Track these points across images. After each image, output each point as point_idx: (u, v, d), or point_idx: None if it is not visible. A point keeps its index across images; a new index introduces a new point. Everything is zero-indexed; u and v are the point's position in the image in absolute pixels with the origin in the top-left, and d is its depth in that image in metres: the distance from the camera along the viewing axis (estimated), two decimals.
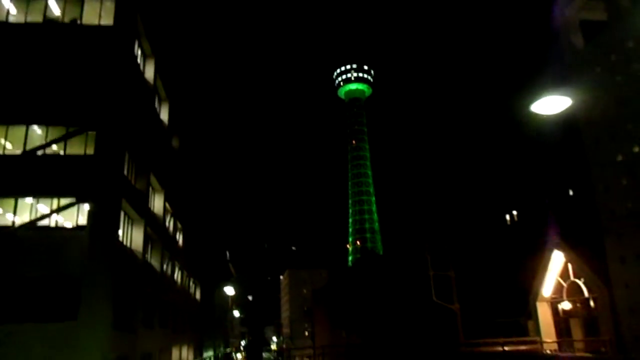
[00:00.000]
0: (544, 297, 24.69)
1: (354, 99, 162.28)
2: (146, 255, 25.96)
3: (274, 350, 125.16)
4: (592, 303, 22.23)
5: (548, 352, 22.68)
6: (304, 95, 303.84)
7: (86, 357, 17.30)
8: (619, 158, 18.42)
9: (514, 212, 51.61)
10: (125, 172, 22.24)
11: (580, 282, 22.37)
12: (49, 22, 21.77)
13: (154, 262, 28.12)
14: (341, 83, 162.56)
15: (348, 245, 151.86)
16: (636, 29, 17.75)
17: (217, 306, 58.34)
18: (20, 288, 17.68)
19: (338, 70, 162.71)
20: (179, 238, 37.59)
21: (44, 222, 19.11)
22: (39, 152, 19.54)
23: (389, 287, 48.99)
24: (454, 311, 27.67)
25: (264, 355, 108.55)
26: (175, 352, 34.05)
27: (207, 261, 54.65)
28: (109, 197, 19.75)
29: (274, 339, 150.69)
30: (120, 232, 21.42)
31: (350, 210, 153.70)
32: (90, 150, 20.19)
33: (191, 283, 44.66)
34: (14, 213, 19.37)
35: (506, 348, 24.22)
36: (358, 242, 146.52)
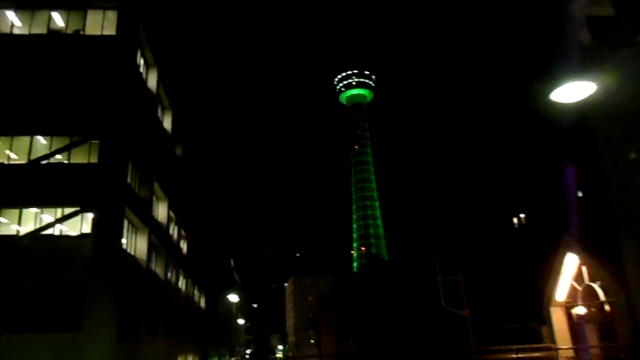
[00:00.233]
0: (557, 302, 24.26)
1: (356, 104, 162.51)
2: (150, 264, 25.92)
3: (280, 359, 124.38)
4: (607, 307, 21.86)
5: (564, 359, 22.33)
6: (306, 102, 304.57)
7: None
8: (633, 155, 18.15)
9: (521, 215, 51.31)
10: (129, 181, 22.27)
11: (596, 286, 21.99)
12: (53, 33, 21.94)
13: (158, 270, 28.06)
14: (342, 89, 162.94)
15: (352, 251, 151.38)
16: None
17: (221, 314, 58.12)
18: (23, 298, 17.64)
19: (339, 76, 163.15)
20: (183, 246, 37.55)
21: (48, 231, 19.12)
22: (43, 162, 19.62)
23: (396, 293, 48.64)
24: (464, 317, 27.37)
25: None
26: None
27: (212, 269, 54.55)
28: (112, 205, 19.76)
29: (280, 347, 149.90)
30: (124, 240, 21.40)
31: (354, 216, 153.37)
32: (94, 159, 20.26)
33: (196, 291, 44.55)
34: (19, 223, 19.41)
35: (520, 355, 23.86)
36: (363, 248, 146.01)
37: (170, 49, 31.60)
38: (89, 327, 17.57)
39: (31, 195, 19.33)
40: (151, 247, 25.72)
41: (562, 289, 23.88)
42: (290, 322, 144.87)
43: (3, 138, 20.14)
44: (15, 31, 21.56)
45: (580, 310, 24.32)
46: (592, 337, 23.83)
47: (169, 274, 30.39)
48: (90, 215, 19.63)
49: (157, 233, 26.87)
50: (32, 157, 19.70)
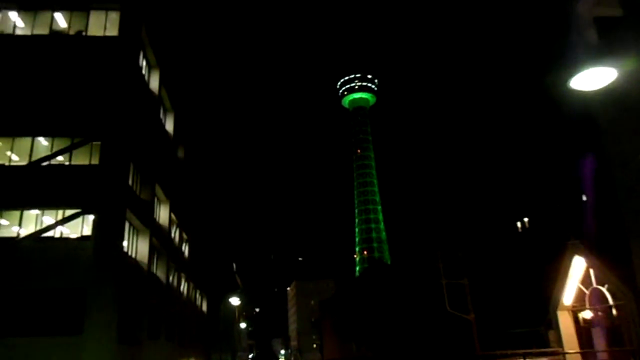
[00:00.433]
0: (564, 306, 23.83)
1: (358, 107, 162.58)
2: (152, 267, 25.70)
3: None
4: (614, 311, 21.46)
5: None
6: (309, 105, 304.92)
7: None
8: None
9: (525, 219, 51.02)
10: (130, 183, 22.08)
11: (604, 289, 21.58)
12: (55, 34, 21.84)
13: (160, 273, 27.83)
14: (345, 92, 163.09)
15: (355, 256, 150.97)
16: None
17: (223, 318, 57.82)
18: (24, 301, 17.45)
19: (342, 80, 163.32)
20: (185, 249, 37.33)
21: (49, 234, 18.95)
22: (44, 164, 19.47)
23: (399, 297, 48.27)
24: (469, 321, 27.00)
25: None
26: None
27: (214, 273, 54.32)
28: (113, 207, 19.57)
29: (282, 352, 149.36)
30: (125, 243, 21.19)
31: (357, 220, 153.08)
32: (95, 161, 20.11)
33: (198, 295, 44.29)
34: (19, 225, 19.24)
35: None
36: (365, 252, 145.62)
37: (173, 51, 31.51)
38: (90, 330, 17.36)
39: (32, 197, 19.17)
40: (152, 249, 25.50)
41: (569, 293, 23.48)
42: (292, 326, 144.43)
43: (4, 139, 20.01)
44: (18, 32, 21.47)
45: (587, 314, 23.94)
46: (599, 342, 23.43)
47: (170, 277, 30.16)
48: (91, 218, 19.45)
49: (158, 236, 26.66)
50: (34, 158, 19.56)
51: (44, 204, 19.39)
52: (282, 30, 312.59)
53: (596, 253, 21.30)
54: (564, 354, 22.97)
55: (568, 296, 23.55)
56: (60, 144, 20.02)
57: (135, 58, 22.78)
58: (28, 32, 21.47)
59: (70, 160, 20.21)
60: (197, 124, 42.50)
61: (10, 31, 21.35)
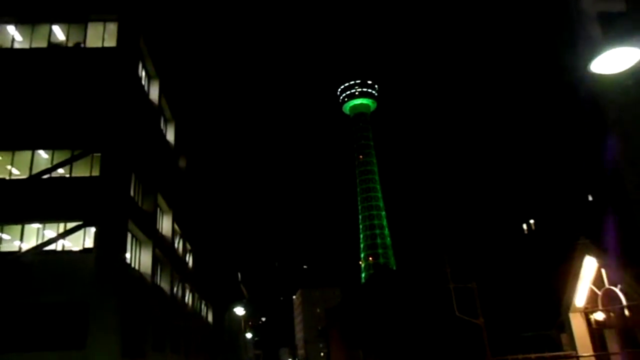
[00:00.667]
0: (577, 308, 23.28)
1: (359, 113, 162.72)
2: (155, 278, 25.43)
3: None
4: (627, 312, 20.96)
5: None
6: (310, 113, 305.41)
7: None
8: None
9: (531, 221, 50.59)
10: (132, 193, 21.89)
11: (617, 289, 21.10)
12: (54, 46, 21.78)
13: (164, 284, 27.56)
14: (346, 99, 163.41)
15: (360, 262, 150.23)
16: None
17: (229, 328, 57.36)
18: (25, 315, 17.21)
19: (342, 86, 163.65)
20: (189, 260, 37.06)
21: (51, 247, 18.73)
22: (45, 177, 19.30)
23: (406, 303, 47.76)
24: (479, 326, 26.52)
25: None
26: None
27: (219, 283, 53.96)
28: (115, 218, 19.36)
29: None
30: (127, 254, 20.97)
31: (361, 226, 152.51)
32: (96, 173, 19.94)
33: (203, 305, 43.94)
34: (21, 239, 19.04)
35: None
36: (370, 258, 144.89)
37: (173, 61, 31.47)
38: (93, 344, 17.09)
39: (33, 210, 19.01)
40: (156, 261, 25.25)
41: (581, 294, 22.98)
42: (299, 335, 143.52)
43: (4, 153, 19.88)
44: (16, 45, 21.41)
45: (599, 315, 23.44)
46: (612, 344, 22.92)
47: (174, 289, 29.86)
48: (93, 230, 19.24)
49: (161, 247, 26.42)
50: (34, 171, 19.40)
51: (45, 217, 19.21)
52: (282, 38, 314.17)
53: (608, 252, 20.86)
54: (578, 357, 22.46)
55: (580, 298, 23.06)
56: (61, 156, 19.86)
57: (134, 68, 22.69)
58: (26, 46, 21.41)
59: (70, 172, 20.06)
60: (198, 133, 42.40)
61: (8, 45, 21.29)
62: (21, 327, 17.09)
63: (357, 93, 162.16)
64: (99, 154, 20.11)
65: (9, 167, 19.77)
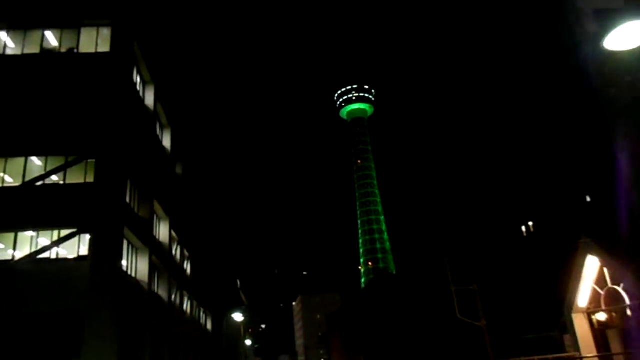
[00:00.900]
0: (579, 308, 22.94)
1: (357, 118, 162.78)
2: (152, 286, 25.08)
3: None
4: (629, 312, 20.67)
5: None
6: (307, 118, 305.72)
7: None
8: None
9: (530, 223, 50.47)
10: (128, 200, 21.62)
11: (619, 289, 20.82)
12: (46, 52, 21.56)
13: (162, 292, 27.19)
14: (343, 104, 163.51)
15: (360, 267, 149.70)
16: None
17: (228, 336, 56.83)
18: (19, 325, 16.83)
19: (339, 92, 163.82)
20: (187, 267, 36.69)
21: (45, 255, 18.40)
22: (38, 184, 19.01)
23: (407, 307, 47.37)
24: (481, 328, 26.20)
25: None
26: None
27: (218, 290, 53.50)
28: (111, 225, 19.07)
29: None
30: (124, 262, 20.64)
31: (360, 231, 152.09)
32: (90, 179, 19.65)
33: (202, 313, 43.49)
34: (14, 247, 18.71)
35: None
36: (370, 263, 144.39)
37: (168, 66, 31.28)
38: (89, 354, 16.72)
39: (26, 218, 18.69)
40: (153, 268, 24.90)
41: (583, 294, 22.67)
42: (299, 341, 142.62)
43: None
44: (8, 52, 21.18)
45: (601, 316, 23.15)
46: (615, 344, 22.62)
47: (172, 296, 29.49)
48: (88, 237, 18.92)
49: (158, 254, 26.08)
50: (27, 178, 19.11)
51: (39, 225, 18.89)
52: (279, 43, 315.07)
53: (610, 251, 20.60)
54: (581, 358, 22.14)
55: (583, 298, 22.75)
56: (54, 163, 19.59)
57: (128, 73, 22.49)
58: (18, 52, 21.18)
59: (64, 179, 19.77)
60: (195, 139, 42.15)
61: (0, 51, 21.04)
62: (15, 337, 16.71)
63: (354, 98, 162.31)
64: (94, 160, 19.84)
65: (1, 174, 19.47)
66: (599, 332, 23.34)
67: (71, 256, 19.18)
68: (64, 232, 18.70)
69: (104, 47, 21.83)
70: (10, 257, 18.61)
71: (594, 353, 22.16)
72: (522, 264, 39.79)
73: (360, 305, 58.13)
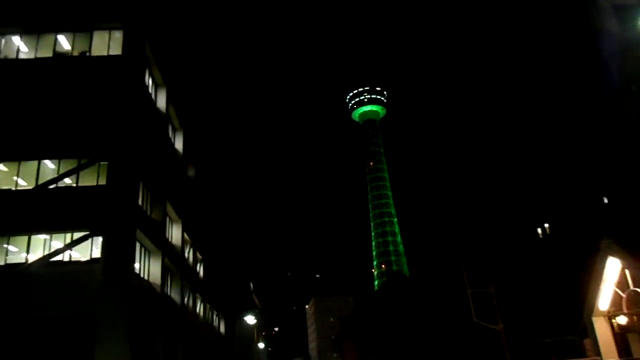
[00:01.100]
0: (600, 311, 22.34)
1: (369, 120, 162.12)
2: (165, 288, 25.02)
3: None
4: None
5: None
6: (320, 120, 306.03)
7: None
8: None
9: (546, 225, 49.60)
10: (140, 202, 21.56)
11: None
12: (59, 55, 21.68)
13: (174, 295, 27.12)
14: (355, 106, 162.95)
15: (373, 270, 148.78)
16: None
17: (241, 338, 56.73)
18: (31, 328, 16.84)
19: (351, 94, 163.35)
20: (200, 269, 36.63)
21: (57, 257, 18.40)
22: (51, 186, 19.08)
23: (422, 310, 46.74)
24: (498, 332, 25.59)
25: None
26: None
27: (230, 293, 53.45)
28: (123, 228, 19.02)
29: None
30: (136, 264, 20.59)
31: (373, 233, 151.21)
32: (102, 182, 19.66)
33: (214, 316, 43.42)
34: (27, 250, 18.77)
35: None
36: (383, 266, 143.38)
37: (180, 68, 31.33)
38: (102, 357, 16.71)
39: (39, 220, 18.75)
40: (165, 270, 24.86)
41: (604, 297, 22.06)
42: (312, 344, 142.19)
43: (10, 164, 19.70)
44: (22, 56, 21.34)
45: (621, 319, 22.48)
46: (636, 349, 21.95)
47: (185, 299, 29.41)
48: (100, 240, 18.90)
49: (171, 256, 26.02)
50: (40, 181, 19.18)
51: (52, 228, 18.93)
52: (291, 45, 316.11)
53: (632, 252, 19.97)
54: None
55: (604, 301, 22.13)
56: (67, 165, 19.63)
57: (140, 76, 22.50)
58: (32, 56, 21.33)
59: (77, 182, 19.81)
60: (207, 142, 42.19)
61: (14, 55, 21.22)
62: (27, 339, 16.73)
63: (366, 100, 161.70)
64: (106, 163, 19.85)
65: (15, 177, 19.58)
66: (620, 336, 22.68)
67: (84, 259, 19.18)
68: (77, 235, 18.70)
69: (116, 50, 21.87)
70: (23, 260, 18.65)
71: (616, 357, 21.54)
72: (540, 266, 39.00)
73: (374, 309, 57.61)
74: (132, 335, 18.31)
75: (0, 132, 19.63)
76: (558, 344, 28.16)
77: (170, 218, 27.67)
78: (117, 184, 19.45)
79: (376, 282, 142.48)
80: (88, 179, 19.77)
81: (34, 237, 18.99)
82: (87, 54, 21.78)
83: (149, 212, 23.12)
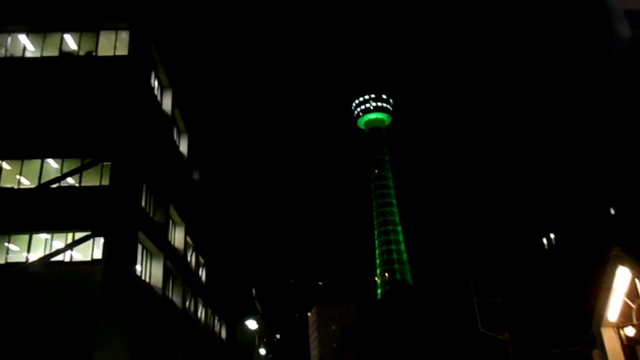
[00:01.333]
0: (609, 322, 21.77)
1: (374, 128, 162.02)
2: (167, 291, 24.76)
3: None
4: None
5: None
6: (325, 127, 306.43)
7: None
8: None
9: (552, 235, 49.13)
10: (143, 204, 21.39)
11: None
12: (65, 55, 21.65)
13: (176, 298, 26.85)
14: (360, 113, 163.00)
15: (376, 278, 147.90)
16: None
17: (243, 345, 56.23)
18: (30, 328, 16.61)
19: (357, 101, 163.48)
20: (202, 273, 36.34)
21: (58, 257, 18.22)
22: (54, 185, 18.94)
23: (426, 319, 46.16)
24: (504, 342, 25.11)
25: None
26: None
27: (232, 298, 53.07)
28: (125, 229, 18.82)
29: None
30: (138, 266, 20.35)
31: (377, 241, 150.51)
32: (106, 182, 19.50)
33: (216, 321, 43.05)
34: (28, 250, 18.59)
35: None
36: (386, 274, 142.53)
37: (186, 71, 31.27)
38: (100, 359, 16.36)
39: (41, 220, 18.61)
40: (167, 273, 24.61)
41: (614, 308, 21.51)
42: (314, 352, 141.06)
43: (13, 162, 19.60)
44: (28, 54, 21.32)
45: (630, 331, 21.94)
46: None
47: (187, 303, 29.12)
48: (102, 240, 18.70)
49: (173, 259, 25.78)
50: (43, 180, 19.05)
51: (53, 227, 18.76)
52: (298, 51, 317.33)
53: None
54: None
55: (613, 311, 21.59)
56: (70, 165, 19.52)
57: (146, 77, 22.42)
58: (38, 55, 21.31)
59: (80, 181, 19.66)
60: (212, 146, 42.09)
61: (20, 54, 21.21)
62: (26, 339, 16.50)
63: (372, 107, 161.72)
64: (109, 163, 19.71)
65: (17, 176, 19.46)
66: (629, 347, 22.13)
67: (85, 260, 18.97)
68: (78, 235, 18.53)
69: (122, 50, 21.84)
70: (24, 260, 18.47)
71: None
72: (547, 275, 38.47)
73: (377, 317, 57.03)
74: (132, 339, 18.04)
75: (5, 130, 19.56)
76: (565, 355, 27.62)
77: (173, 221, 27.47)
78: (120, 184, 19.29)
79: (379, 291, 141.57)
80: (91, 179, 19.63)
81: (35, 237, 18.83)
82: (94, 53, 21.75)
83: (151, 214, 22.94)
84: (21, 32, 21.28)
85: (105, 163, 19.76)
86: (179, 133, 30.72)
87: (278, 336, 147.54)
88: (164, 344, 22.90)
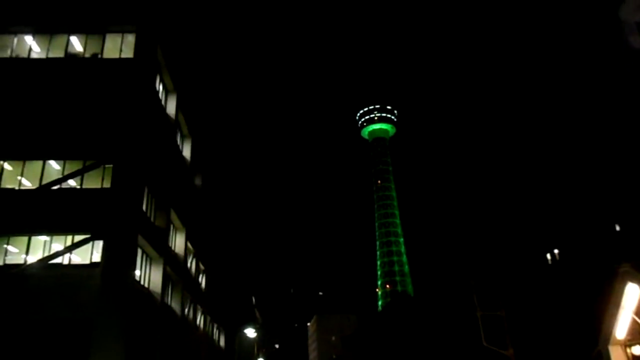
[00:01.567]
0: (617, 340, 21.29)
1: (378, 138, 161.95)
2: (165, 297, 24.40)
3: None
4: None
5: None
6: (328, 137, 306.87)
7: None
8: None
9: (555, 251, 48.64)
10: (144, 208, 21.16)
11: None
12: (70, 57, 21.58)
13: (174, 305, 26.48)
14: (364, 123, 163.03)
15: (377, 289, 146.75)
16: None
17: (241, 354, 55.60)
18: (26, 331, 16.30)
19: (361, 111, 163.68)
20: (202, 280, 35.97)
21: (57, 260, 17.95)
22: (55, 187, 18.74)
23: (428, 332, 45.49)
24: (508, 357, 24.58)
25: None
26: None
27: (232, 306, 52.58)
28: (125, 232, 18.55)
29: None
30: (137, 271, 20.05)
31: (378, 253, 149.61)
32: (107, 184, 19.29)
33: (215, 329, 42.55)
34: (27, 252, 18.33)
35: None
36: (388, 286, 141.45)
37: (191, 75, 31.20)
38: None
39: (41, 221, 18.38)
40: (167, 279, 24.28)
41: (622, 325, 21.02)
42: None
43: (15, 163, 19.43)
44: (33, 55, 21.26)
45: (637, 349, 21.43)
46: None
47: (185, 309, 28.74)
48: (101, 243, 18.43)
49: (173, 265, 25.46)
50: (44, 182, 18.86)
51: (53, 229, 18.53)
52: (303, 63, 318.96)
53: None
54: None
55: (621, 329, 21.09)
56: (72, 167, 19.34)
57: (151, 80, 22.31)
58: (43, 56, 21.24)
59: (81, 183, 19.46)
60: (215, 152, 41.94)
61: (25, 55, 21.15)
62: (20, 342, 16.19)
63: (376, 118, 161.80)
64: (111, 166, 19.52)
65: (18, 177, 19.27)
66: None
67: (84, 263, 18.68)
68: (78, 238, 18.27)
69: (128, 53, 21.77)
70: (22, 261, 18.20)
71: None
72: (552, 291, 37.92)
73: (378, 329, 56.32)
74: (129, 344, 17.69)
75: (7, 131, 19.42)
76: None
77: (174, 226, 27.20)
78: (121, 187, 19.08)
79: (380, 302, 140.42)
80: (92, 182, 19.43)
81: (34, 238, 18.59)
82: (99, 56, 21.66)
83: (152, 219, 22.68)
84: (27, 33, 21.25)
85: (107, 165, 19.58)
86: (183, 137, 30.57)
87: (277, 346, 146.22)
88: (161, 351, 22.50)
